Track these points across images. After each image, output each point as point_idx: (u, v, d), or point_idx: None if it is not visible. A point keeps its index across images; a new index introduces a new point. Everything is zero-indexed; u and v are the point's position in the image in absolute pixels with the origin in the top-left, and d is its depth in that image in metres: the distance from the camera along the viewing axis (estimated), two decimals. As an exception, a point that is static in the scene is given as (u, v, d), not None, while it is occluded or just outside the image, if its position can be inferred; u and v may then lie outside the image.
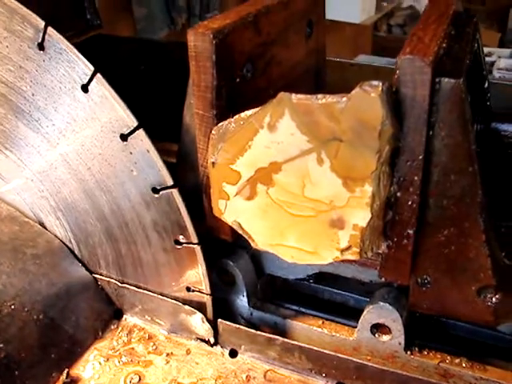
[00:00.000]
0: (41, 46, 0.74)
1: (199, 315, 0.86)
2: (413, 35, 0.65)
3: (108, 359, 0.87)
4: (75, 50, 0.73)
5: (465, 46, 0.71)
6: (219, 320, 0.86)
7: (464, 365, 0.79)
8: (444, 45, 0.66)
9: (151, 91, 1.36)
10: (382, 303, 0.79)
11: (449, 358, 0.80)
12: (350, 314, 0.91)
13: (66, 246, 0.93)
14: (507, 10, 4.15)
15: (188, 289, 0.86)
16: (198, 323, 0.87)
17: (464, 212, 0.66)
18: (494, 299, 0.70)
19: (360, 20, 3.90)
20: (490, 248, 0.68)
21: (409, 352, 0.81)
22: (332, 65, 1.19)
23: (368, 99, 0.58)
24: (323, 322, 0.88)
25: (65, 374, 0.84)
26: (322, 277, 0.95)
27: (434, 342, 0.83)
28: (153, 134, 0.75)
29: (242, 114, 0.68)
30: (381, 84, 0.58)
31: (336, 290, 0.98)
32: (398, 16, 4.49)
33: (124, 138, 0.75)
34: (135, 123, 0.74)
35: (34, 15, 0.73)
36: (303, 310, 0.93)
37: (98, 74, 0.73)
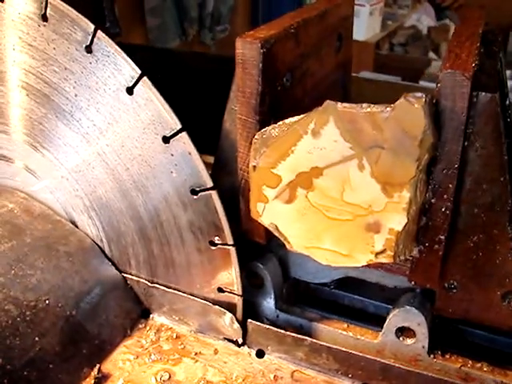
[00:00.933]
0: (88, 49, 0.77)
1: (229, 315, 0.88)
2: (450, 52, 0.69)
3: (137, 357, 0.89)
4: (123, 54, 0.76)
5: (494, 63, 0.75)
6: (249, 320, 0.89)
7: (485, 369, 0.82)
8: (477, 62, 0.70)
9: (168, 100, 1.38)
10: (408, 307, 0.82)
11: (470, 362, 0.83)
12: (369, 320, 0.94)
13: (97, 244, 0.95)
14: (508, 31, 4.20)
15: (220, 289, 0.88)
16: (227, 323, 0.89)
17: (493, 220, 0.70)
18: (518, 305, 0.74)
19: (365, 37, 3.95)
20: (516, 255, 0.71)
21: (432, 355, 0.83)
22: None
23: (411, 110, 0.62)
24: (348, 326, 0.90)
25: (96, 370, 0.86)
26: (343, 283, 0.98)
27: (453, 348, 0.86)
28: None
29: (287, 121, 0.71)
30: (424, 96, 0.61)
31: (356, 296, 1.00)
32: (401, 35, 4.54)
33: (166, 140, 0.78)
34: (179, 126, 0.77)
35: (85, 19, 0.77)
36: (326, 314, 0.95)
37: (145, 78, 0.76)
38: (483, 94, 0.63)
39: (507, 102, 0.93)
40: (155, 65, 1.52)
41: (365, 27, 3.92)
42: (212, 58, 1.89)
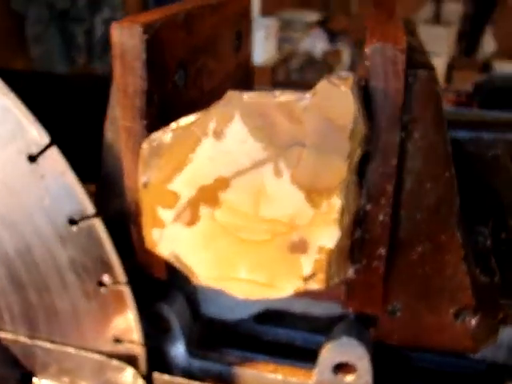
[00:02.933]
0: None
1: (131, 370, 0.72)
2: (373, 29, 0.57)
3: None
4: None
5: (420, 42, 0.65)
6: (155, 374, 0.73)
7: (437, 402, 0.71)
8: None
9: (55, 128, 1.23)
10: (345, 338, 0.68)
11: (421, 395, 0.71)
12: (299, 355, 0.81)
13: (-41, 298, 0.77)
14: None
15: (116, 339, 0.72)
16: (129, 380, 0.73)
17: (440, 224, 0.58)
18: (473, 322, 0.62)
19: (261, 60, 3.91)
20: (468, 264, 0.60)
21: (376, 392, 0.71)
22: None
23: (337, 93, 0.49)
24: (276, 367, 0.76)
25: None
26: (264, 315, 0.84)
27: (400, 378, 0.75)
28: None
29: (181, 122, 0.57)
30: (351, 75, 0.49)
31: (281, 330, 0.87)
32: (296, 61, 4.56)
33: (33, 158, 0.62)
34: (46, 140, 0.61)
35: None
36: (249, 354, 0.81)
37: (-1, 82, 0.60)
38: (421, 70, 0.52)
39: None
40: (38, 90, 1.36)
41: (261, 50, 3.88)
42: (101, 77, 1.74)
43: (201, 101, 0.73)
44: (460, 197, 0.58)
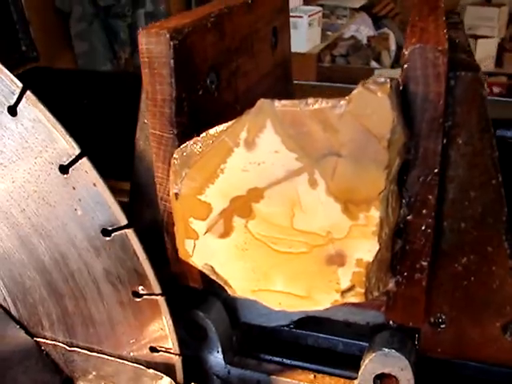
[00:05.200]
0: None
1: (167, 379, 0.72)
2: (413, 27, 0.54)
3: None
4: (-1, 65, 0.59)
5: (465, 38, 0.61)
6: (192, 384, 0.72)
7: (485, 415, 0.67)
8: (447, 36, 0.55)
9: (96, 126, 1.23)
10: (386, 350, 0.66)
11: (466, 407, 0.68)
12: (339, 361, 0.79)
13: (0, 305, 0.77)
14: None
15: (152, 349, 0.71)
16: (166, 389, 0.72)
17: (486, 235, 0.55)
18: (522, 335, 0.59)
19: (306, 49, 3.87)
20: (516, 276, 0.56)
21: (420, 404, 0.68)
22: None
23: (374, 100, 0.46)
24: (315, 376, 0.74)
25: None
26: (304, 321, 0.82)
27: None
28: (101, 171, 0.62)
29: (211, 131, 0.55)
30: (389, 80, 0.46)
31: (322, 335, 0.85)
32: (341, 46, 4.50)
33: (64, 169, 0.61)
34: (77, 151, 0.60)
35: None
36: (288, 361, 0.79)
37: (29, 92, 0.59)
38: (464, 73, 0.48)
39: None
40: (82, 89, 1.37)
41: (305, 39, 3.84)
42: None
43: (236, 103, 0.71)
44: (508, 204, 0.55)
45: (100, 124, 1.25)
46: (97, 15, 2.73)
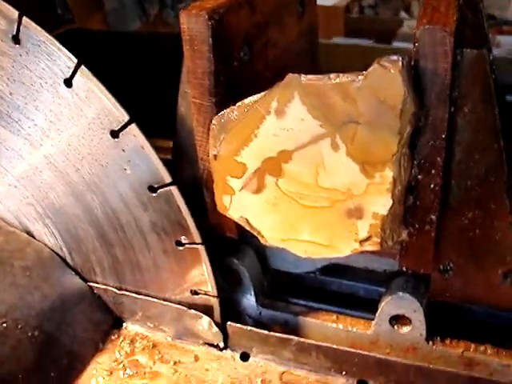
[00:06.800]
0: (16, 39, 0.67)
1: (206, 319, 0.81)
2: (426, 5, 0.60)
3: (111, 373, 0.81)
4: (55, 41, 0.67)
5: (476, 15, 0.67)
6: (228, 323, 0.81)
7: (489, 352, 0.75)
8: (458, 14, 0.61)
9: (137, 86, 1.29)
10: (401, 293, 0.74)
11: (473, 345, 0.76)
12: (361, 305, 0.87)
13: (57, 254, 0.87)
14: None
15: (193, 292, 0.80)
16: (206, 327, 0.82)
17: (489, 192, 0.62)
18: (522, 282, 0.66)
19: (333, 2, 3.84)
20: (516, 229, 0.64)
21: (430, 342, 0.76)
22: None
23: (387, 76, 0.53)
24: (337, 317, 0.82)
25: (66, 393, 0.79)
26: (329, 268, 0.90)
27: (453, 329, 0.79)
28: (144, 130, 0.69)
29: (246, 101, 0.62)
30: (401, 58, 0.53)
31: (344, 281, 0.93)
32: (369, -1, 4.44)
33: (115, 134, 0.69)
34: (126, 118, 0.68)
35: (6, 5, 0.67)
36: (313, 304, 0.88)
37: (83, 67, 0.67)
38: (468, 50, 0.55)
39: (491, 58, 0.84)
40: (119, 50, 1.42)
41: (332, -9, 3.82)
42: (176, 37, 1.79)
43: (266, 70, 0.78)
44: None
45: (137, 85, 1.31)
46: (126, -28, 2.76)
